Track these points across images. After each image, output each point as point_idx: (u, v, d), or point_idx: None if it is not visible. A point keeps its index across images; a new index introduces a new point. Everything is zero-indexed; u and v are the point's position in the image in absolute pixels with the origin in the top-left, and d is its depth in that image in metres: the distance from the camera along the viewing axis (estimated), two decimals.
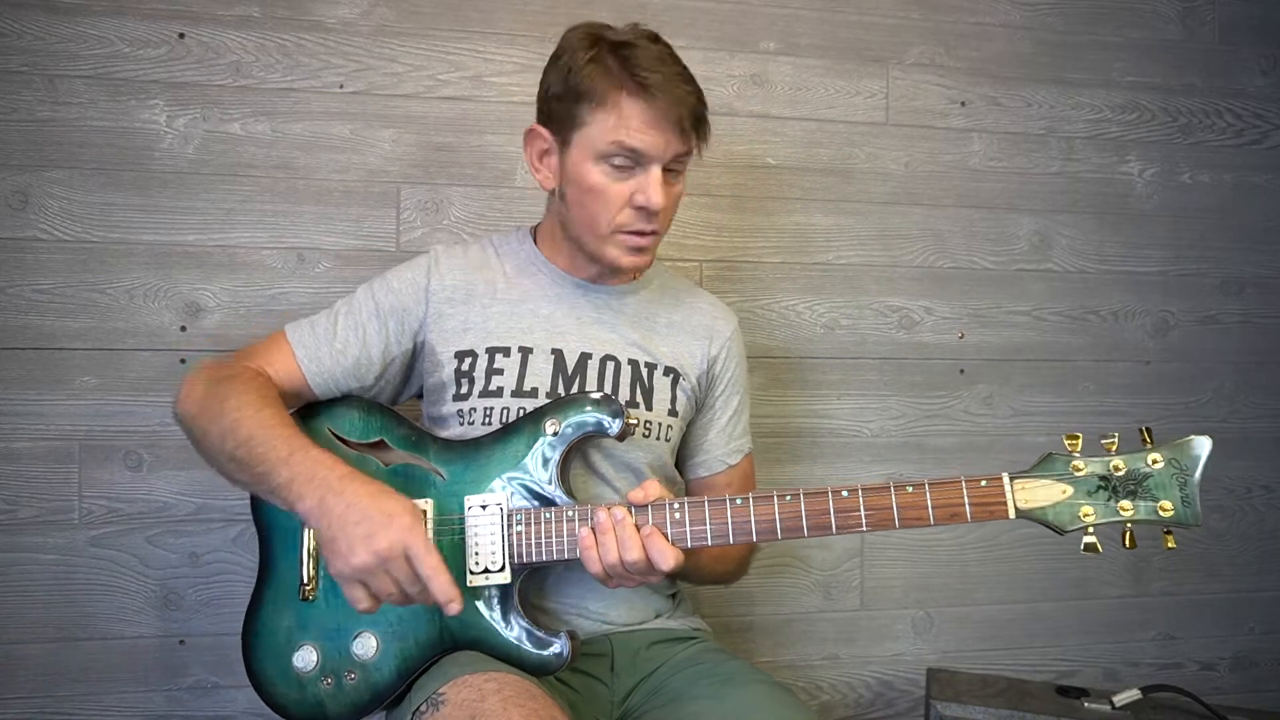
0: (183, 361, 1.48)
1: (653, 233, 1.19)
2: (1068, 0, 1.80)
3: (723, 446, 1.35)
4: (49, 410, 1.45)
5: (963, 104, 1.76)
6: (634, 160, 1.14)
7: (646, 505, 1.09)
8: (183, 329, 1.49)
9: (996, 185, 1.78)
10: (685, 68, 1.18)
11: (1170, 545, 1.00)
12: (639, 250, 1.20)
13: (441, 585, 0.99)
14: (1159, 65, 1.84)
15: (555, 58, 1.19)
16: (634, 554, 1.06)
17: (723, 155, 1.66)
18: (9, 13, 1.43)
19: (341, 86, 1.53)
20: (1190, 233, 1.85)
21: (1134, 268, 1.83)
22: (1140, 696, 1.48)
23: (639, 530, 1.07)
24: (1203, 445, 0.99)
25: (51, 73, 1.44)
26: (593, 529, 1.08)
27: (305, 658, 1.12)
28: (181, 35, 1.48)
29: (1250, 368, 1.88)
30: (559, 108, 1.17)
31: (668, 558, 1.06)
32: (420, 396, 1.31)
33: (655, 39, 1.19)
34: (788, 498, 1.08)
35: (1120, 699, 1.47)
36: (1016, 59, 1.78)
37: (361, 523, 1.00)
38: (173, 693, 1.48)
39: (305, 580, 1.13)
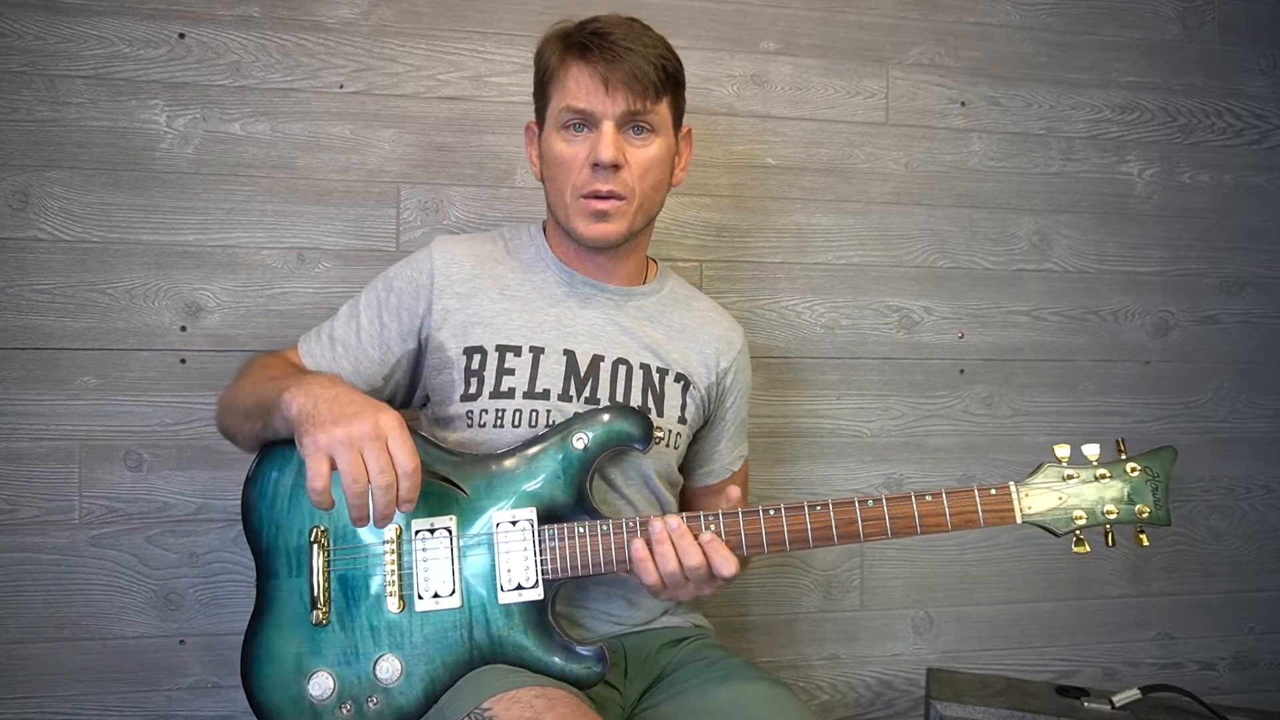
0: (183, 362, 1.48)
1: (611, 195, 1.18)
2: (1068, 0, 1.80)
3: (729, 455, 1.37)
4: (49, 410, 1.45)
5: (963, 104, 1.76)
6: (585, 121, 1.18)
7: (697, 514, 1.11)
8: (183, 329, 1.49)
9: (996, 185, 1.78)
10: (648, 34, 1.20)
11: (1144, 543, 1.13)
12: (600, 215, 1.18)
13: (415, 483, 0.99)
14: (1159, 65, 1.84)
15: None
16: (695, 559, 1.06)
17: (723, 155, 1.66)
18: (9, 13, 1.43)
19: (341, 86, 1.53)
20: (1190, 233, 1.85)
21: (1134, 268, 1.83)
22: (1140, 696, 1.48)
23: (697, 538, 1.08)
24: (1170, 454, 1.14)
25: (51, 73, 1.44)
26: (646, 540, 1.08)
27: (321, 685, 1.07)
28: (181, 35, 1.48)
29: (1250, 368, 1.88)
30: (536, 96, 1.25)
31: (730, 563, 1.07)
32: (425, 404, 1.30)
33: (623, 18, 1.21)
34: (818, 508, 1.11)
35: (1120, 699, 1.48)
36: (1016, 59, 1.78)
37: (349, 405, 1.01)
38: (173, 693, 1.48)
39: (317, 601, 1.09)
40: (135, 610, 1.47)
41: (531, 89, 1.27)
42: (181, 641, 1.49)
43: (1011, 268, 1.78)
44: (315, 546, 1.11)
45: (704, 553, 1.07)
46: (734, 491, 1.14)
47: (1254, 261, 1.88)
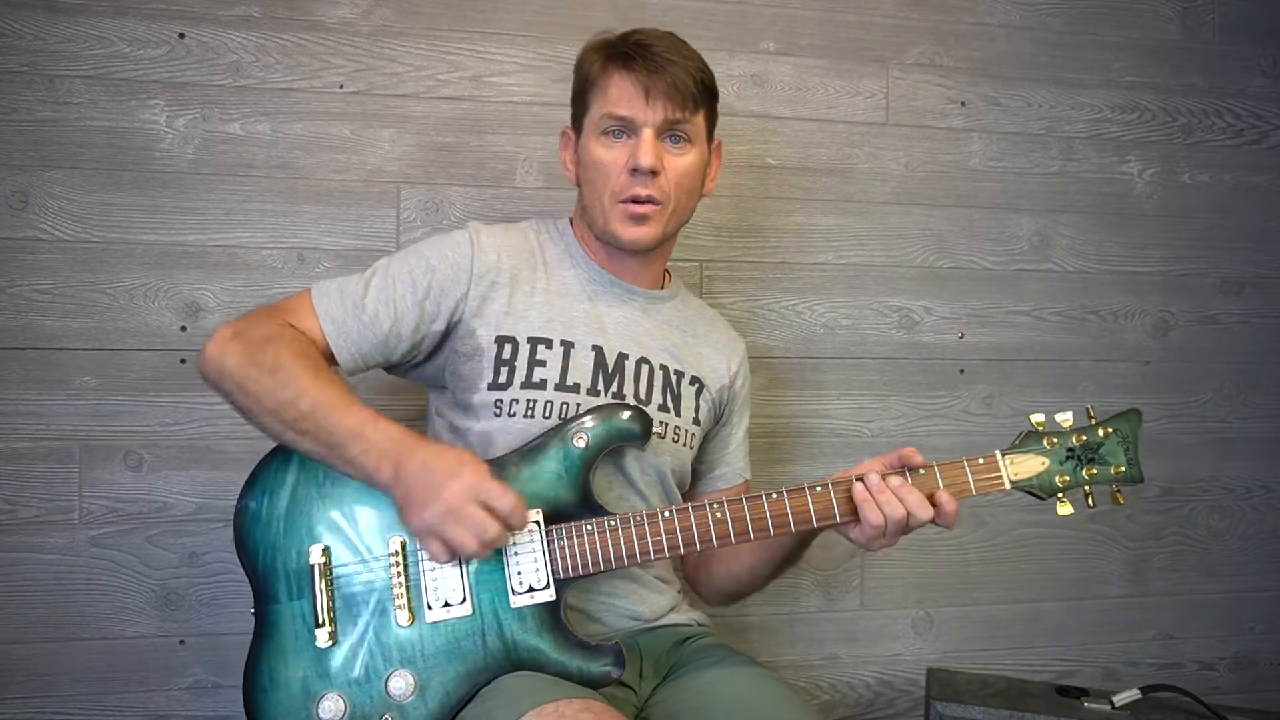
0: (183, 362, 1.48)
1: (650, 200, 1.21)
2: (1067, 0, 1.80)
3: (741, 460, 1.40)
4: (49, 410, 1.45)
5: (963, 104, 1.76)
6: (624, 128, 1.21)
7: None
8: (183, 329, 1.49)
9: (996, 185, 1.78)
10: (686, 48, 1.24)
11: (1120, 501, 1.19)
12: (638, 219, 1.21)
13: (522, 514, 1.06)
14: (1159, 65, 1.84)
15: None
16: (925, 514, 1.11)
17: (723, 155, 1.66)
18: (9, 13, 1.43)
19: (341, 86, 1.53)
20: (1190, 233, 1.85)
21: (1134, 268, 1.83)
22: (1140, 696, 1.48)
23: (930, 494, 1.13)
24: (1135, 416, 1.20)
25: (51, 73, 1.44)
26: (867, 488, 1.11)
27: (331, 708, 1.05)
28: (181, 35, 1.48)
29: (1250, 368, 1.88)
30: (575, 102, 1.28)
31: (955, 511, 1.13)
32: (442, 387, 1.28)
33: (662, 33, 1.24)
34: (818, 489, 1.13)
35: (1120, 699, 1.47)
36: (1016, 59, 1.78)
37: (433, 475, 1.04)
38: (173, 693, 1.48)
39: (322, 623, 1.07)
40: (135, 610, 1.47)
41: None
42: (181, 641, 1.49)
43: (1011, 268, 1.78)
44: (316, 566, 1.09)
45: (933, 505, 1.12)
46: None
47: (1254, 261, 1.88)
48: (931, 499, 1.12)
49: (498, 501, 1.04)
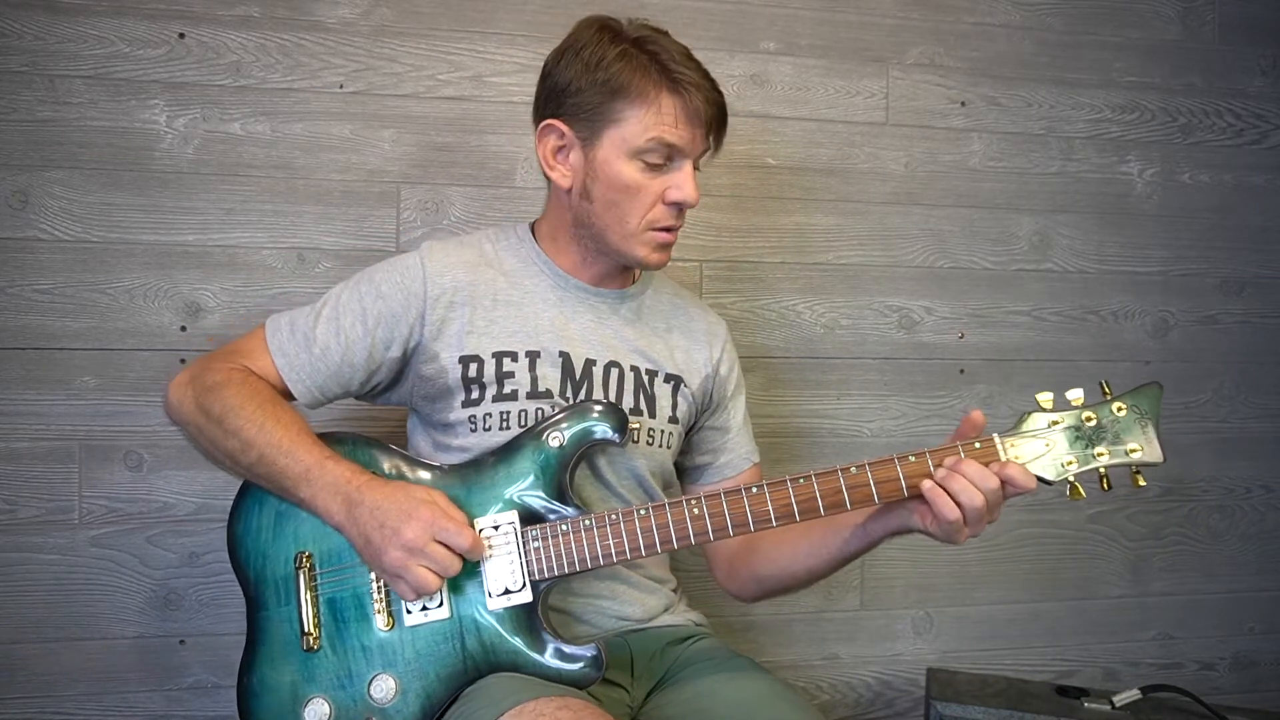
0: (182, 361, 1.48)
1: (677, 229, 1.21)
2: (1068, 0, 1.80)
3: (746, 444, 1.37)
4: (49, 410, 1.45)
5: (963, 104, 1.76)
6: (668, 156, 1.16)
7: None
8: (183, 329, 1.49)
9: (996, 185, 1.78)
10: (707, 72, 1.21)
11: (1140, 484, 1.07)
12: (666, 247, 1.21)
13: (478, 546, 1.07)
14: (1159, 65, 1.84)
15: (570, 51, 1.17)
16: (993, 483, 1.02)
17: (723, 155, 1.63)
18: (9, 13, 1.43)
19: (341, 86, 1.53)
20: (1190, 233, 1.85)
21: (1134, 268, 1.83)
22: (1140, 696, 1.48)
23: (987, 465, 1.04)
24: (1156, 390, 1.10)
25: (51, 73, 1.44)
26: (937, 482, 1.04)
27: (317, 711, 1.07)
28: (181, 35, 1.48)
29: (1250, 368, 1.88)
30: (583, 102, 1.16)
31: (1030, 477, 1.05)
32: (413, 408, 1.28)
33: (667, 35, 1.21)
34: (801, 480, 1.09)
35: (1120, 699, 1.48)
36: (1016, 59, 1.78)
37: (388, 517, 1.05)
38: (173, 693, 1.49)
39: (307, 629, 1.10)
40: (135, 610, 1.47)
41: (541, 81, 1.21)
42: (181, 641, 1.49)
43: (1011, 268, 1.79)
44: (300, 573, 1.11)
45: (999, 477, 1.03)
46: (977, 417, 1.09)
47: (1254, 261, 1.88)
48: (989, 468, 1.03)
49: (455, 540, 1.04)
